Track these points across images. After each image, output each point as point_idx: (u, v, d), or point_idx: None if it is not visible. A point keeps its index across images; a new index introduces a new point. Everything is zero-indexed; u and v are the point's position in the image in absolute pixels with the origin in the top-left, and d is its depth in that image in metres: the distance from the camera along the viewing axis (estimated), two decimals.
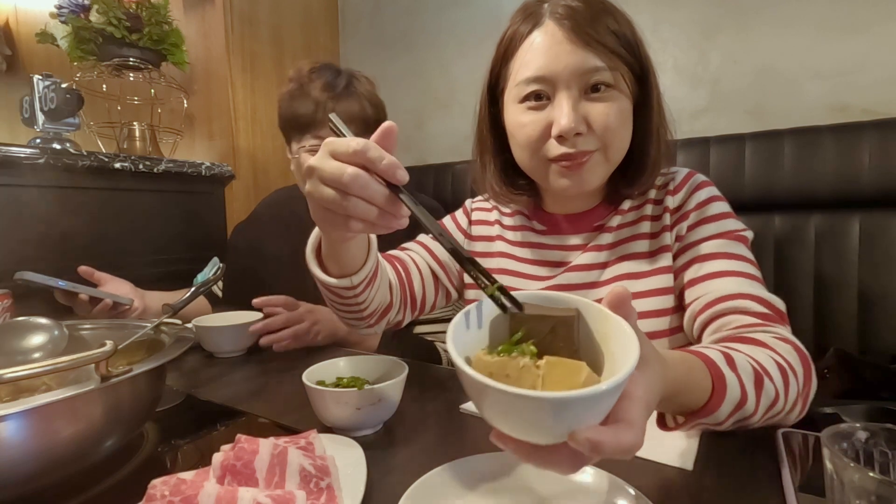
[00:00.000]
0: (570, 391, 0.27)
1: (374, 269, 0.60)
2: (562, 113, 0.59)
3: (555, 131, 0.60)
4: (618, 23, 0.61)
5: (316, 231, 0.58)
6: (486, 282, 0.36)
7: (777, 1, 1.22)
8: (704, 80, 1.33)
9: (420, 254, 0.78)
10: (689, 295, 0.61)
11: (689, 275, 0.62)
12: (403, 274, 0.74)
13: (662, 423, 0.44)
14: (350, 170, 0.40)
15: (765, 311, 0.54)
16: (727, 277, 0.58)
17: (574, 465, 0.31)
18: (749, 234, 0.63)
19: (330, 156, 0.41)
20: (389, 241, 0.70)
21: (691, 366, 0.42)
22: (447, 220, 0.85)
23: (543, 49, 0.61)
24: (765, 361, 0.46)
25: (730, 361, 0.44)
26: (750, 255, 0.61)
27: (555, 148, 0.62)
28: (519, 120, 0.64)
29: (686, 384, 0.40)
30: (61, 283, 0.85)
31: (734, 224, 0.63)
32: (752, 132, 1.10)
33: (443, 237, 0.41)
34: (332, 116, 0.48)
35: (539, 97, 0.62)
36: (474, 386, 0.30)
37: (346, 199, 0.41)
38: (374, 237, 0.58)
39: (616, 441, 0.28)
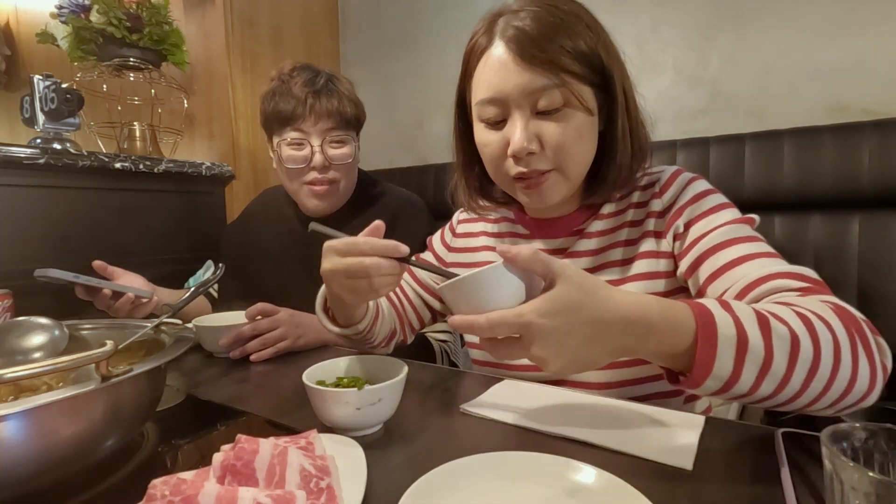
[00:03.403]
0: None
1: (375, 315, 0.71)
2: (514, 133, 0.60)
3: (509, 152, 0.61)
4: (571, 38, 0.58)
5: (322, 290, 0.69)
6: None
7: (777, 1, 1.22)
8: (704, 81, 1.33)
9: (408, 281, 0.86)
10: (713, 292, 0.56)
11: (706, 270, 0.57)
12: (398, 304, 0.84)
13: (675, 379, 0.44)
14: (367, 260, 0.52)
15: (805, 284, 0.49)
16: (750, 262, 0.54)
17: (487, 348, 0.45)
18: (756, 217, 0.60)
19: (339, 255, 0.54)
20: None
21: (669, 305, 0.42)
22: (435, 238, 0.90)
23: (493, 70, 0.61)
24: (775, 309, 0.43)
25: (724, 305, 0.43)
26: (761, 237, 0.58)
27: (512, 167, 0.63)
28: (482, 139, 0.65)
29: (660, 320, 0.41)
30: (83, 279, 0.86)
31: (735, 213, 0.61)
32: (752, 132, 1.10)
33: (442, 270, 0.56)
34: (315, 225, 0.59)
35: (497, 117, 0.62)
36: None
37: (371, 280, 0.53)
38: None
39: (459, 321, 0.44)
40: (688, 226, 0.62)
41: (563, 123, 0.60)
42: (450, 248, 0.86)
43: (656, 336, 0.42)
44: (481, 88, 0.62)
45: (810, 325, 0.42)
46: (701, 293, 0.59)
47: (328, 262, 0.56)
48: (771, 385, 0.41)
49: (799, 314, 0.43)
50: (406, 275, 0.87)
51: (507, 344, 0.43)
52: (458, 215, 0.88)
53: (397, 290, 0.86)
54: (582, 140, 0.62)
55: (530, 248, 0.43)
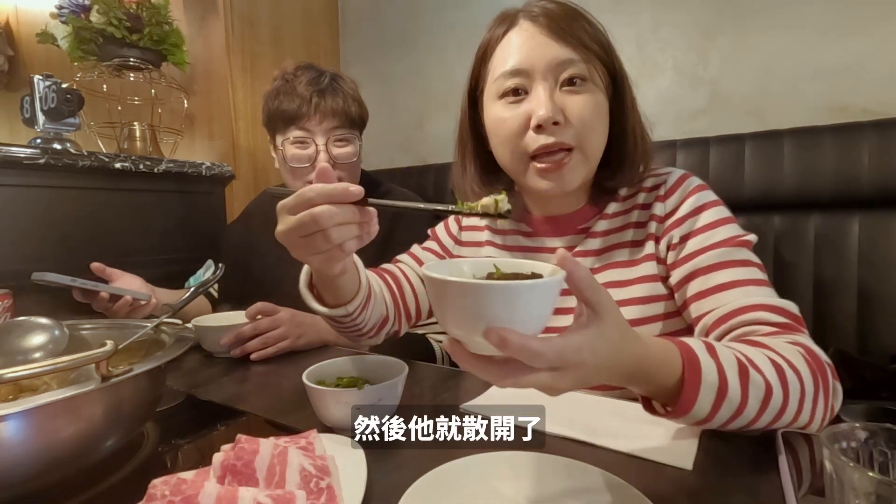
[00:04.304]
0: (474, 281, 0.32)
1: (367, 295, 0.64)
2: (539, 103, 0.60)
3: (533, 122, 0.61)
4: (591, 26, 0.63)
5: (306, 268, 0.62)
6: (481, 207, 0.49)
7: (777, 2, 1.22)
8: (704, 81, 1.33)
9: (411, 265, 0.82)
10: (697, 309, 0.58)
11: (694, 288, 0.58)
12: (396, 288, 0.77)
13: (650, 407, 0.46)
14: (316, 209, 0.45)
15: (783, 320, 0.52)
16: (737, 288, 0.55)
17: (500, 374, 0.34)
18: (752, 238, 0.60)
19: (289, 213, 0.48)
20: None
21: (668, 350, 0.43)
22: (439, 228, 0.87)
23: (519, 44, 0.63)
24: (754, 356, 0.45)
25: (710, 349, 0.44)
26: (756, 259, 0.59)
27: (533, 140, 0.62)
28: (499, 115, 0.65)
29: (661, 367, 0.42)
30: (80, 283, 0.86)
31: (735, 230, 0.61)
32: (752, 132, 1.10)
33: (427, 207, 0.50)
34: (271, 189, 0.54)
35: (517, 92, 0.63)
36: (428, 283, 0.35)
37: (327, 232, 0.46)
38: (361, 266, 0.63)
39: (522, 343, 0.31)
40: (684, 238, 0.62)
41: (586, 96, 0.61)
42: (458, 241, 0.84)
43: (650, 377, 0.42)
44: (502, 64, 0.64)
45: (783, 376, 0.45)
46: (685, 307, 0.60)
47: (281, 223, 0.49)
48: (738, 424, 0.45)
49: (773, 363, 0.45)
50: (409, 258, 0.83)
51: (523, 370, 0.33)
52: None
53: (396, 272, 0.79)
54: (601, 118, 0.63)
55: (588, 271, 0.36)
